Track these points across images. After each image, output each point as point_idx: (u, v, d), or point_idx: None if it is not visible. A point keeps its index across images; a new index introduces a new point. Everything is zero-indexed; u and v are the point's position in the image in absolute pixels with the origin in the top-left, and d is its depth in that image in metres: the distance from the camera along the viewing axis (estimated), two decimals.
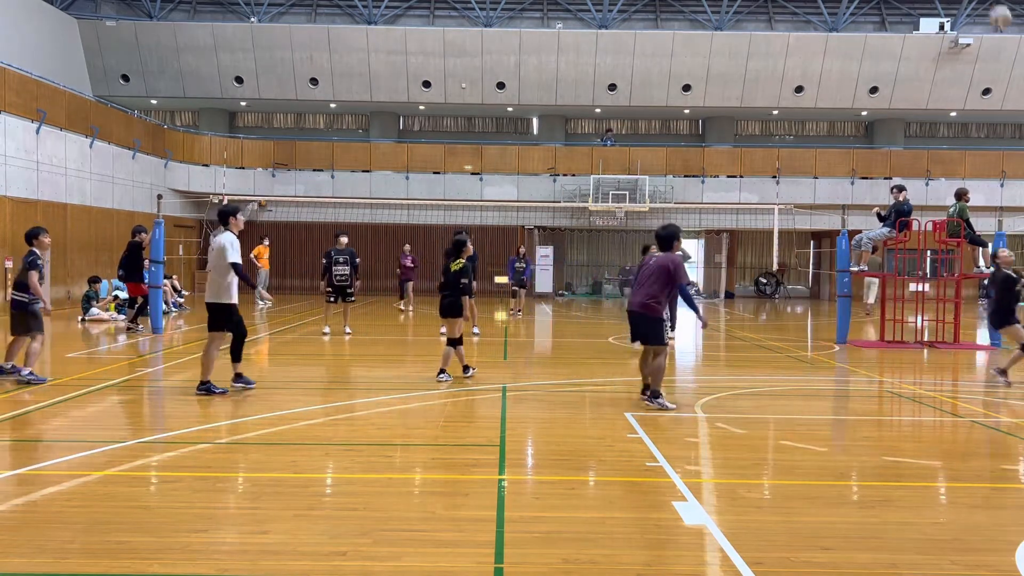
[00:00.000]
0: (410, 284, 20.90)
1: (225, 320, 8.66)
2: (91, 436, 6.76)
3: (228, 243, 8.58)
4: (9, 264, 18.69)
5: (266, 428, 7.05)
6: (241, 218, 9.01)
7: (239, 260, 8.65)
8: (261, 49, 30.19)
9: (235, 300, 8.72)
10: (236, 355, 8.90)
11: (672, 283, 8.24)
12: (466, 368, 9.93)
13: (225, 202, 10.94)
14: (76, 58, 29.57)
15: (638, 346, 8.74)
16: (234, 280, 8.63)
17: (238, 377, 8.85)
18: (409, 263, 20.62)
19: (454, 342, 9.72)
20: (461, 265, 9.76)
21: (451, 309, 9.70)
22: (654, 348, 8.32)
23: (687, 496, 5.17)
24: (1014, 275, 10.74)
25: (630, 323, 8.56)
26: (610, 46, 30.07)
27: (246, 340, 9.06)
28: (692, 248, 34.02)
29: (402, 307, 20.85)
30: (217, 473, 5.73)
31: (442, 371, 9.70)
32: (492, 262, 29.18)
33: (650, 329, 8.29)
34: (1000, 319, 10.66)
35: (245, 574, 3.88)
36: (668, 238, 8.37)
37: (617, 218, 28.91)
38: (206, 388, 8.57)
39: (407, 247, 21.22)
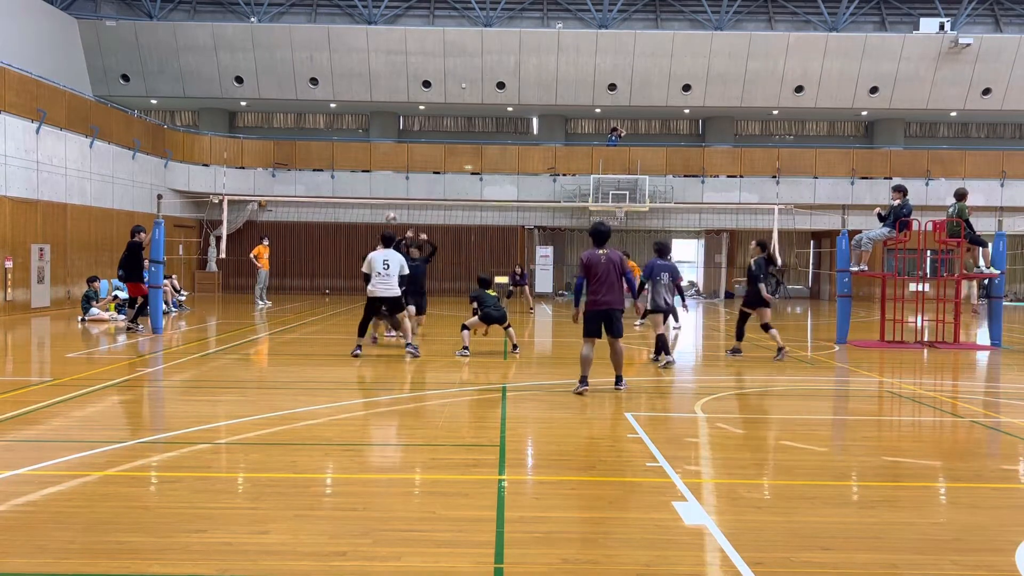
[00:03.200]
0: None
1: (401, 304, 12.17)
2: (91, 436, 6.76)
3: (403, 259, 12.14)
4: (9, 264, 18.68)
5: (266, 428, 7.04)
6: None
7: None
8: (261, 49, 30.20)
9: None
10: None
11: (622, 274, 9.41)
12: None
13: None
14: (76, 58, 29.58)
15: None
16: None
17: (408, 345, 12.02)
18: None
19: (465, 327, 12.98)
20: (495, 293, 13.30)
21: (502, 319, 12.98)
22: (618, 338, 9.21)
23: (687, 496, 5.17)
24: None
25: (606, 320, 9.10)
26: (610, 46, 30.07)
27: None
28: (692, 248, 34.06)
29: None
30: (217, 473, 5.73)
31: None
32: (492, 262, 29.18)
33: (620, 322, 9.17)
34: None
35: (245, 574, 3.88)
36: (608, 233, 9.58)
37: (617, 218, 28.89)
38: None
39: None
